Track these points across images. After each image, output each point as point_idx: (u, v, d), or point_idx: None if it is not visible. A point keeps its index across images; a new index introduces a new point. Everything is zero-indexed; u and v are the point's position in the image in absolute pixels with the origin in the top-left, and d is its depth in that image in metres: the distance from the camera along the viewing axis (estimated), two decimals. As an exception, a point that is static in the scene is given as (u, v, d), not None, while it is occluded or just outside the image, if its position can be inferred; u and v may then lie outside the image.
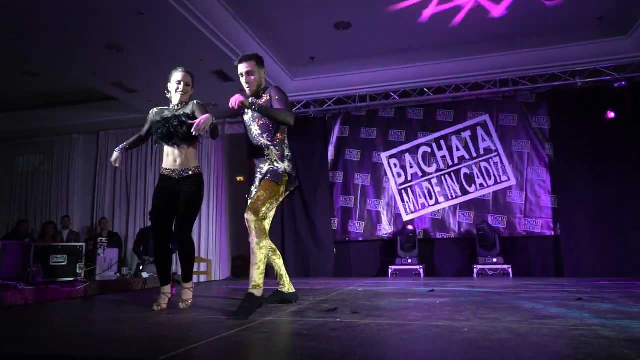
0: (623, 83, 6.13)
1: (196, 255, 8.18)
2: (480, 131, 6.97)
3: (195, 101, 3.13)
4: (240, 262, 7.91)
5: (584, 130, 6.36)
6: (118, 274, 5.14)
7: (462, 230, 6.85)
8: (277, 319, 2.44)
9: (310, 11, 5.54)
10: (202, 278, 7.41)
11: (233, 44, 5.77)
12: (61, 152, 9.20)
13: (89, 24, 5.10)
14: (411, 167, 7.17)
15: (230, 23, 5.62)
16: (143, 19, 4.99)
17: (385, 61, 6.63)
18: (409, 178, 7.14)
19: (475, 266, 6.35)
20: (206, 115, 2.79)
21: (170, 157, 3.05)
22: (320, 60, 6.82)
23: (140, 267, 5.63)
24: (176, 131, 2.97)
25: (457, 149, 7.03)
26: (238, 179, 8.22)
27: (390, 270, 6.64)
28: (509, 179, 6.77)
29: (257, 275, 2.68)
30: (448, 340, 1.92)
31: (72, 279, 4.45)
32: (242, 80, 2.92)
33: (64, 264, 4.45)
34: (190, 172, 3.06)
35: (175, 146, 3.02)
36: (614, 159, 6.20)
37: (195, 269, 7.56)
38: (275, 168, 2.83)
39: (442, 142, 7.09)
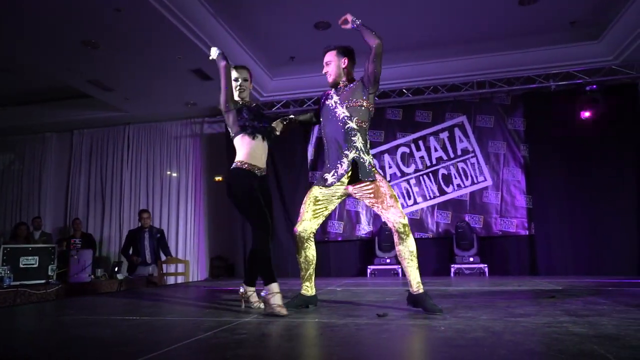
0: (594, 86, 6.31)
1: (174, 255, 8.12)
2: (457, 132, 7.08)
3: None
4: (218, 263, 7.84)
5: (557, 132, 6.52)
6: (92, 276, 5.03)
7: (439, 230, 6.94)
8: (255, 320, 2.43)
9: (290, 11, 5.52)
10: (180, 279, 7.31)
11: (212, 43, 5.71)
12: (33, 151, 8.95)
13: (64, 20, 4.97)
14: (390, 167, 7.23)
15: (210, 21, 5.57)
16: (120, 16, 4.89)
17: (364, 62, 6.65)
18: (388, 178, 7.20)
19: (452, 265, 6.44)
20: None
21: (263, 155, 2.96)
22: (300, 60, 6.81)
23: (116, 269, 5.52)
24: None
25: (435, 150, 7.13)
26: (216, 178, 8.14)
27: (368, 270, 6.68)
28: (485, 180, 6.89)
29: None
30: (425, 339, 1.94)
31: (43, 281, 4.34)
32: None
33: (34, 265, 4.34)
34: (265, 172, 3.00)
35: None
36: (587, 160, 6.38)
37: (172, 270, 7.47)
38: (363, 160, 2.75)
39: (420, 142, 7.17)
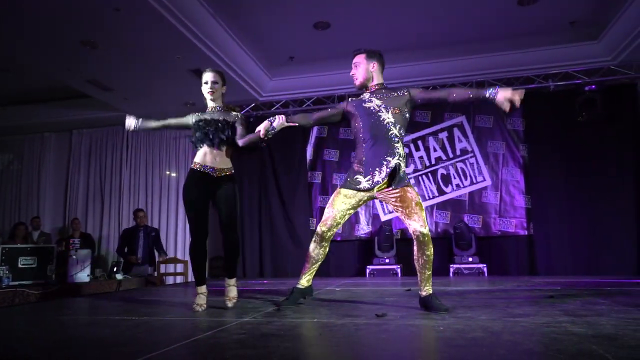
0: (593, 87, 6.31)
1: (172, 255, 8.12)
2: (456, 132, 7.08)
3: (239, 115, 3.12)
4: (218, 263, 7.82)
5: (556, 132, 6.53)
6: (91, 276, 5.02)
7: (439, 230, 6.94)
8: (253, 320, 2.43)
9: (289, 11, 5.52)
10: (179, 279, 7.30)
11: (211, 43, 5.71)
12: (32, 150, 8.93)
13: (63, 20, 4.96)
14: (389, 167, 7.22)
15: (209, 21, 5.56)
16: (119, 16, 4.88)
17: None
18: (387, 178, 7.20)
19: (451, 265, 6.45)
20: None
21: (217, 157, 3.01)
22: (300, 60, 6.81)
23: (115, 269, 5.52)
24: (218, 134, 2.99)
25: (435, 150, 7.13)
26: (216, 178, 8.13)
27: (367, 270, 6.68)
28: (484, 180, 6.90)
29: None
30: (424, 339, 1.94)
31: (42, 281, 4.34)
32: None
33: (33, 265, 4.33)
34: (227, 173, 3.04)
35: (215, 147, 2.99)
36: (586, 160, 6.39)
37: (171, 270, 7.47)
38: (402, 166, 2.78)
39: (419, 142, 7.17)
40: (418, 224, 2.66)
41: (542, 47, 6.40)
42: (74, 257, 4.74)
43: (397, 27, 5.89)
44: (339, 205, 2.84)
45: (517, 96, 2.58)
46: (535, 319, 2.27)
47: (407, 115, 2.86)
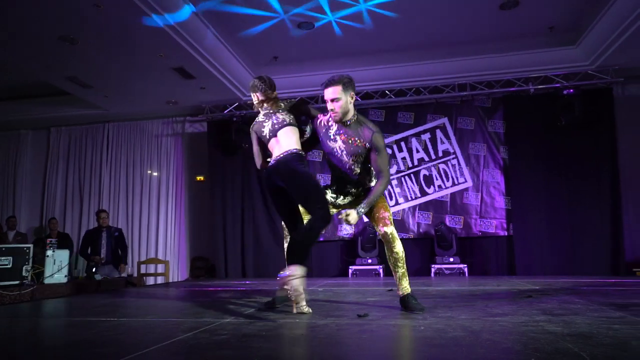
0: (571, 90, 6.45)
1: (153, 256, 8.02)
2: (439, 134, 7.15)
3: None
4: (199, 264, 7.76)
5: (536, 135, 6.66)
6: (69, 277, 4.92)
7: (420, 230, 7.00)
8: (235, 321, 2.41)
9: (273, 10, 5.50)
10: (160, 279, 7.22)
11: (195, 41, 5.66)
12: (7, 148, 8.71)
13: (41, 15, 4.85)
14: (372, 168, 7.25)
15: (193, 19, 5.50)
16: (100, 12, 4.80)
17: (347, 63, 6.68)
18: (370, 179, 7.23)
19: (432, 265, 6.51)
20: None
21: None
22: (283, 60, 6.79)
23: (94, 269, 5.42)
24: None
25: (417, 151, 7.19)
26: (198, 178, 8.07)
27: (350, 270, 6.70)
28: (465, 181, 6.98)
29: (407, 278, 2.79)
30: (406, 339, 1.96)
31: (17, 282, 4.23)
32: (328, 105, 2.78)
33: (8, 266, 4.22)
34: None
35: None
36: (564, 162, 6.53)
37: (152, 270, 7.37)
38: (364, 193, 2.95)
39: (402, 143, 7.22)
40: (381, 223, 2.76)
41: (523, 51, 6.51)
42: (51, 257, 4.64)
43: (379, 29, 5.92)
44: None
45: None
46: (513, 318, 2.31)
47: (366, 154, 2.81)
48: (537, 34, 6.17)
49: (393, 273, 2.78)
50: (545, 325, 2.06)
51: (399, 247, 2.74)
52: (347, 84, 2.72)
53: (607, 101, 6.53)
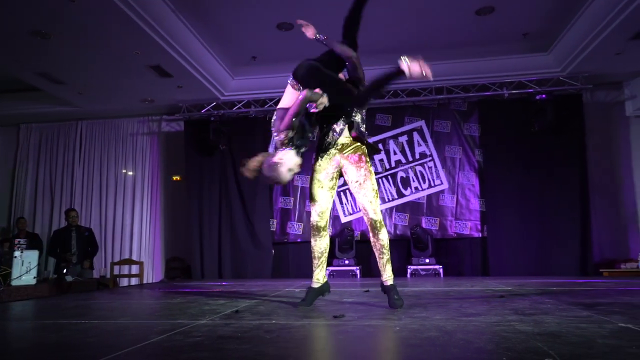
0: (544, 96, 6.63)
1: (127, 256, 7.87)
2: (416, 136, 7.25)
3: None
4: (175, 264, 7.65)
5: (510, 138, 6.81)
6: (38, 278, 4.78)
7: (397, 232, 7.07)
8: (210, 322, 2.39)
9: (253, 10, 5.48)
10: (134, 281, 7.08)
11: (172, 39, 5.58)
12: (-25, 145, 8.42)
13: (11, 9, 4.70)
14: (350, 169, 7.29)
15: (170, 17, 5.43)
16: (74, 7, 4.68)
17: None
18: (348, 180, 7.26)
19: (408, 266, 6.59)
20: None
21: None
22: (262, 60, 6.76)
23: (65, 270, 5.28)
24: None
25: (395, 153, 7.26)
26: (174, 178, 7.96)
27: (327, 271, 6.67)
28: (442, 183, 7.09)
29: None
30: (381, 339, 1.98)
31: (-16, 283, 4.09)
32: None
33: (-26, 267, 4.08)
34: None
35: None
36: (537, 166, 6.70)
37: (126, 271, 7.22)
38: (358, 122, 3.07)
39: (380, 145, 7.28)
40: (371, 210, 2.85)
41: (498, 56, 6.67)
42: (19, 258, 4.50)
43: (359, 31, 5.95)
44: (316, 190, 2.99)
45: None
46: (486, 318, 2.36)
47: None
48: (512, 40, 6.31)
49: (377, 260, 2.90)
50: (516, 325, 2.10)
51: (384, 236, 2.87)
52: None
53: (577, 107, 6.74)
